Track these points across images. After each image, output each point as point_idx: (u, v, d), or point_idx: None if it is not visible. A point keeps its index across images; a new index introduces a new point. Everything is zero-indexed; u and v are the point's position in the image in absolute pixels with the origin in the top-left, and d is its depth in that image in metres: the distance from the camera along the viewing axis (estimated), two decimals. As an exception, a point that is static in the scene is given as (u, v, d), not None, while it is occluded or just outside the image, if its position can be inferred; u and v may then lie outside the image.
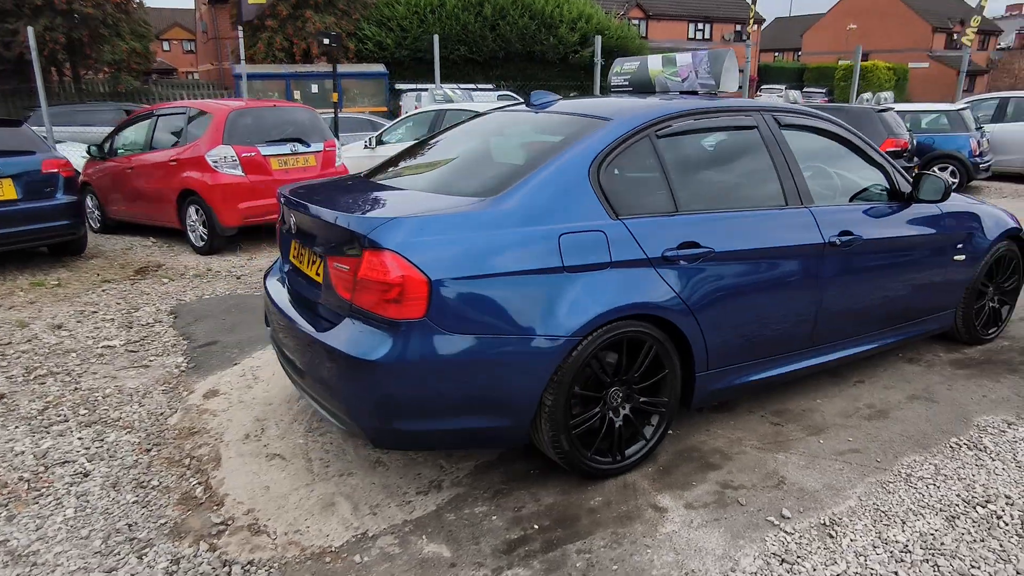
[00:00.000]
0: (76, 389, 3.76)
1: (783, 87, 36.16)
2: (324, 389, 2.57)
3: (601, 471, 2.73)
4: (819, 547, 2.36)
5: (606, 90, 4.95)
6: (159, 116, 7.33)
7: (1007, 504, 2.59)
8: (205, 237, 6.86)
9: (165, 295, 5.59)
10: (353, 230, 2.40)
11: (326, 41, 10.82)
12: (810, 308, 3.14)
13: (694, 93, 3.45)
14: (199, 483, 2.84)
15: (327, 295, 2.60)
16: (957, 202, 3.82)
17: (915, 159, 10.59)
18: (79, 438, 3.20)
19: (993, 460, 2.91)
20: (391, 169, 3.39)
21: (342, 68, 15.00)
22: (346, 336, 2.42)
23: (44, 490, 2.77)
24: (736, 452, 2.99)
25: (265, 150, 6.84)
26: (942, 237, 3.67)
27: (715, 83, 3.36)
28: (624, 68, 3.90)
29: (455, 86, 12.51)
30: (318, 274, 2.71)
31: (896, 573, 2.23)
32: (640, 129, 2.80)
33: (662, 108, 2.95)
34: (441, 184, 2.90)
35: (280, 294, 3.05)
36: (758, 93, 35.58)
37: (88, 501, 2.69)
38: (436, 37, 10.18)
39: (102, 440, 3.18)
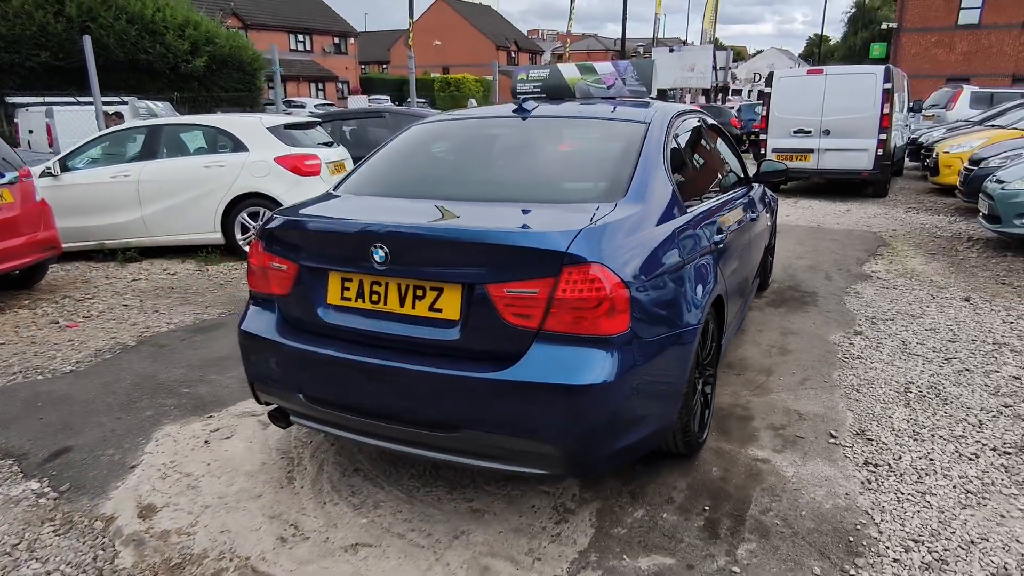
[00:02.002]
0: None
1: (387, 98, 38.43)
2: (502, 435, 2.22)
3: (700, 445, 2.95)
4: (866, 447, 3.02)
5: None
6: None
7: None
8: None
9: None
10: (543, 247, 2.15)
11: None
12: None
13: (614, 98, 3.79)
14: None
15: (478, 329, 2.23)
16: None
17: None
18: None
19: (870, 350, 4.01)
20: (377, 186, 2.97)
21: None
22: (548, 366, 2.16)
23: None
24: (746, 402, 3.50)
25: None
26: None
27: (646, 89, 3.77)
28: (531, 76, 4.02)
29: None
30: (435, 309, 2.31)
31: (912, 419, 3.01)
32: (668, 129, 3.05)
33: (669, 110, 3.23)
34: (520, 193, 2.70)
35: (331, 345, 2.45)
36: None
37: None
38: (88, 39, 8.25)
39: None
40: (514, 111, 3.26)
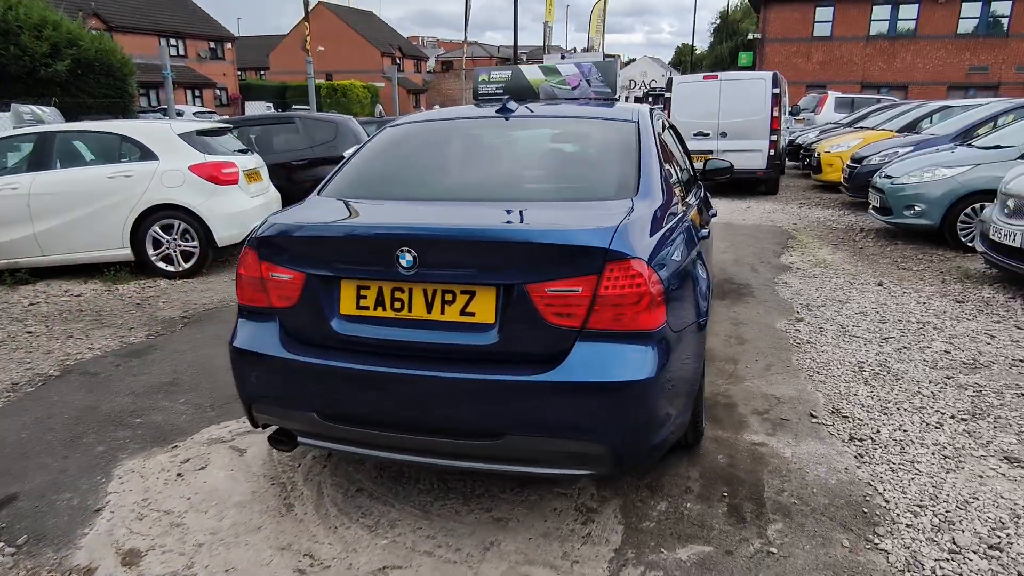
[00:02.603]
0: None
1: (268, 105, 36.91)
2: (549, 438, 2.17)
3: (702, 434, 3.03)
4: (845, 424, 3.22)
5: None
6: None
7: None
8: None
9: None
10: (586, 245, 2.12)
11: None
12: None
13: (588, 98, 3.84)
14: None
15: (517, 331, 2.17)
16: None
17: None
18: None
19: (815, 335, 4.29)
20: (368, 190, 2.84)
21: None
22: (594, 364, 2.13)
23: None
24: (725, 390, 3.64)
25: None
26: None
27: (611, 90, 3.83)
28: (492, 77, 3.98)
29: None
30: (467, 313, 2.22)
31: (875, 395, 3.25)
32: (653, 127, 3.10)
33: (643, 109, 3.28)
34: (531, 193, 2.65)
35: (350, 358, 2.30)
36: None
37: None
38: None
39: None
40: (497, 111, 3.21)
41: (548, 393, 2.13)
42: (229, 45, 41.36)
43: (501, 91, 3.92)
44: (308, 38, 18.40)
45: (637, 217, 2.33)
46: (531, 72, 3.96)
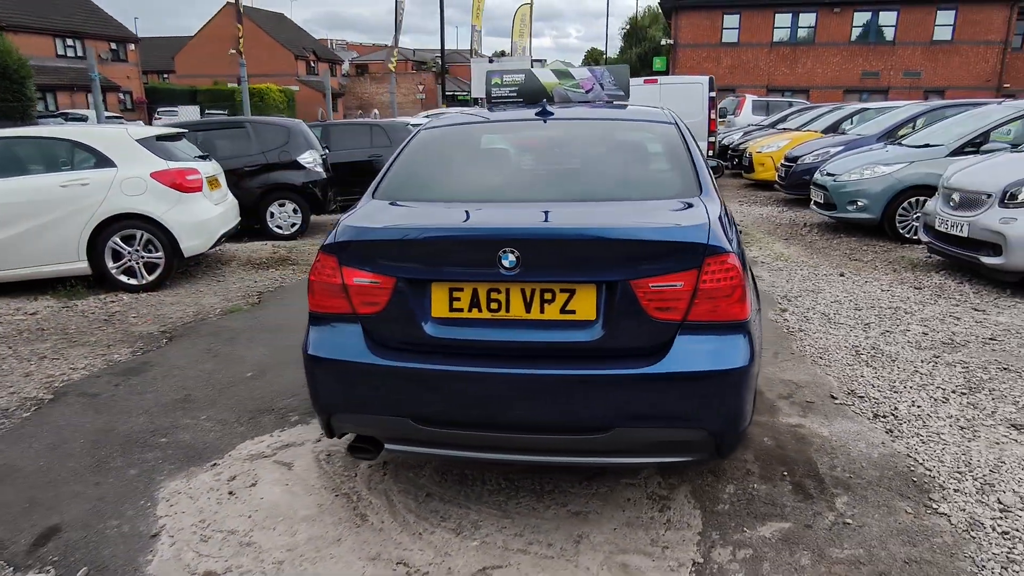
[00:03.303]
0: None
1: (177, 109, 35.24)
2: (656, 428, 2.24)
3: (748, 419, 3.19)
4: (864, 403, 3.46)
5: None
6: None
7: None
8: None
9: None
10: (689, 241, 2.21)
11: None
12: None
13: (609, 102, 3.93)
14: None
15: (621, 326, 2.23)
16: None
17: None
18: None
19: (805, 323, 4.56)
20: (421, 189, 2.84)
21: None
22: (697, 354, 2.22)
23: None
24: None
25: None
26: None
27: (624, 94, 3.94)
28: (506, 80, 4.01)
29: None
30: (567, 311, 2.27)
31: (880, 376, 3.52)
32: (687, 128, 3.24)
33: (670, 112, 3.41)
34: (603, 192, 2.72)
35: (446, 360, 2.30)
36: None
37: None
38: None
39: None
40: (537, 114, 3.26)
41: (656, 384, 2.21)
42: (132, 46, 39.13)
43: (515, 94, 3.96)
44: (241, 40, 17.65)
45: (717, 214, 2.44)
46: (544, 75, 4.01)
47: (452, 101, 40.59)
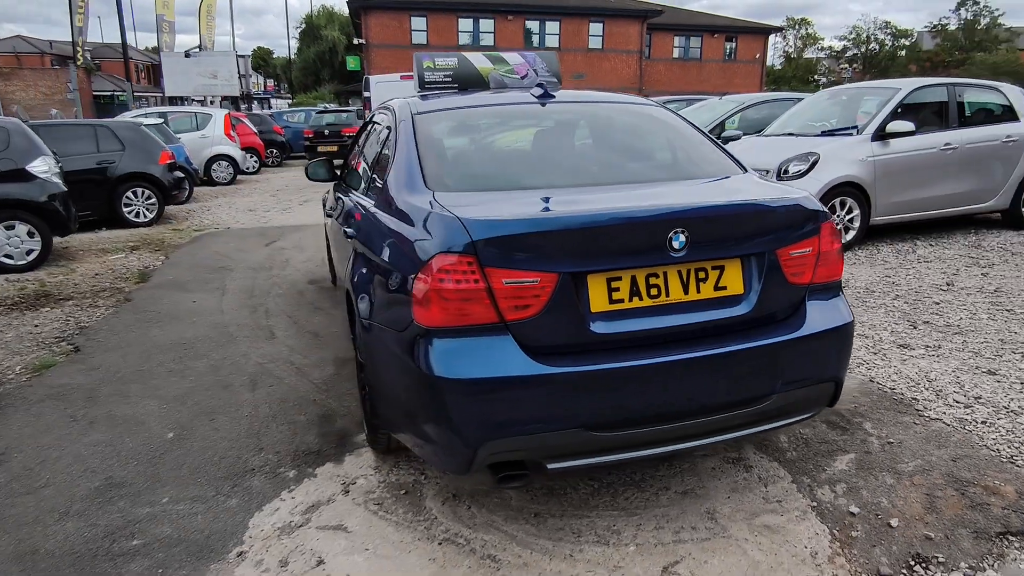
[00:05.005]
0: None
1: None
2: (805, 388, 2.36)
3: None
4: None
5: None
6: None
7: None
8: None
9: None
10: (815, 209, 2.35)
11: None
12: None
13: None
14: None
15: (767, 295, 2.28)
16: None
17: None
18: None
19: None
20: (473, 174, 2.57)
21: None
22: (825, 313, 2.39)
23: None
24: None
25: None
26: None
27: (557, 80, 3.92)
28: (438, 64, 3.71)
29: None
30: (720, 288, 2.26)
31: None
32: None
33: (645, 98, 3.52)
34: (665, 173, 2.70)
35: (614, 358, 2.12)
36: None
37: None
38: None
39: None
40: (538, 97, 3.10)
41: (807, 345, 2.34)
42: None
43: (450, 79, 3.71)
44: None
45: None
46: (478, 60, 3.82)
47: (109, 103, 34.52)
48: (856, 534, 2.40)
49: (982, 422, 3.09)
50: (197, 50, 22.56)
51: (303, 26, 63.59)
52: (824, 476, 2.72)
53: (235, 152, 14.04)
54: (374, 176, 3.10)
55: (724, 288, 2.27)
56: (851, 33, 61.12)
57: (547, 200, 2.33)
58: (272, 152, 18.62)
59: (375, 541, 2.38)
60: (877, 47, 62.42)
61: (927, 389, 3.45)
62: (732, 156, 2.93)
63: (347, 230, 2.99)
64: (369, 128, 3.78)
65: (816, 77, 64.36)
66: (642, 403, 2.17)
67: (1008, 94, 7.22)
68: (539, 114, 3.12)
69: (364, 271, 2.62)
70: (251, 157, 15.80)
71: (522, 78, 3.87)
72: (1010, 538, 2.35)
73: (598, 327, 2.13)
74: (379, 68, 35.78)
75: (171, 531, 2.45)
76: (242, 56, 25.35)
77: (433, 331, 2.10)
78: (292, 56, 56.12)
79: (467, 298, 2.04)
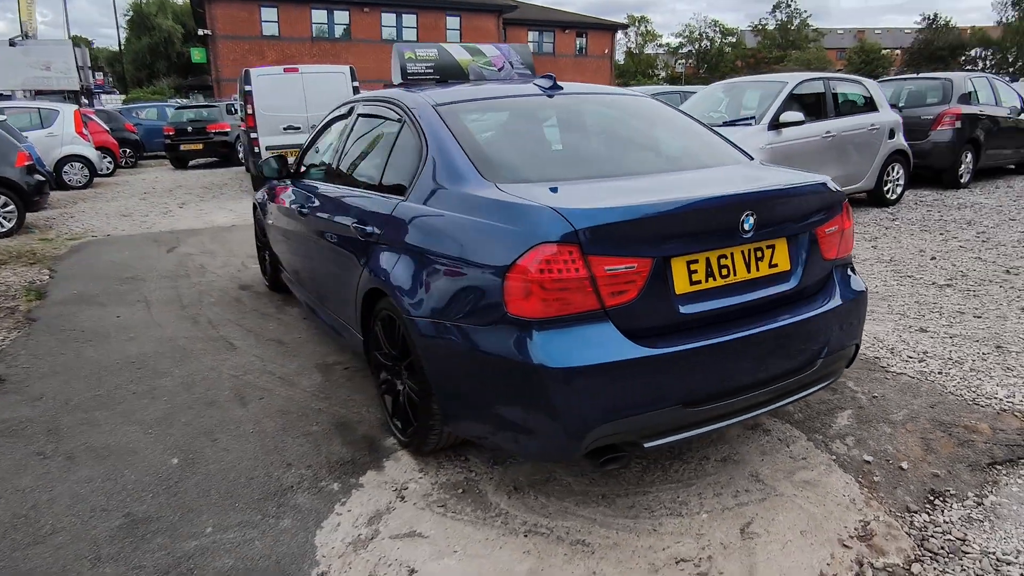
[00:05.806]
0: None
1: None
2: (842, 351, 2.62)
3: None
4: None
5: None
6: None
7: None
8: None
9: None
10: (836, 189, 2.60)
11: None
12: None
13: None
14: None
15: (808, 270, 2.51)
16: None
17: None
18: None
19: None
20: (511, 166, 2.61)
21: None
22: (847, 282, 2.67)
23: None
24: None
25: None
26: None
27: (531, 72, 3.95)
28: (419, 55, 3.63)
29: None
30: (773, 265, 2.45)
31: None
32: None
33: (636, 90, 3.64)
34: (693, 161, 2.84)
35: (698, 336, 2.25)
36: None
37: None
38: None
39: None
40: (546, 89, 3.14)
41: (845, 313, 2.60)
42: None
43: (431, 71, 3.66)
44: None
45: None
46: (457, 52, 3.78)
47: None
48: (877, 479, 2.69)
49: (939, 372, 3.55)
50: (22, 38, 19.88)
51: (130, 14, 58.09)
52: (832, 431, 3.02)
53: (90, 152, 12.62)
54: (387, 172, 3.01)
55: (776, 265, 2.46)
56: (685, 31, 65.93)
57: (625, 189, 2.43)
58: (126, 152, 16.94)
59: (461, 542, 2.34)
60: (708, 44, 67.84)
61: (882, 348, 3.90)
62: (735, 144, 3.15)
63: (368, 229, 2.87)
64: (352, 123, 3.62)
65: (656, 71, 68.79)
66: (727, 377, 2.31)
67: (869, 87, 8.20)
68: (555, 105, 3.16)
69: (413, 270, 2.54)
70: (105, 158, 14.28)
71: (499, 70, 3.89)
72: (998, 467, 2.75)
73: (686, 308, 2.24)
74: (227, 60, 33.66)
75: (234, 562, 2.26)
76: (78, 46, 22.68)
77: (533, 322, 2.10)
78: (121, 47, 51.05)
79: (569, 287, 2.07)
